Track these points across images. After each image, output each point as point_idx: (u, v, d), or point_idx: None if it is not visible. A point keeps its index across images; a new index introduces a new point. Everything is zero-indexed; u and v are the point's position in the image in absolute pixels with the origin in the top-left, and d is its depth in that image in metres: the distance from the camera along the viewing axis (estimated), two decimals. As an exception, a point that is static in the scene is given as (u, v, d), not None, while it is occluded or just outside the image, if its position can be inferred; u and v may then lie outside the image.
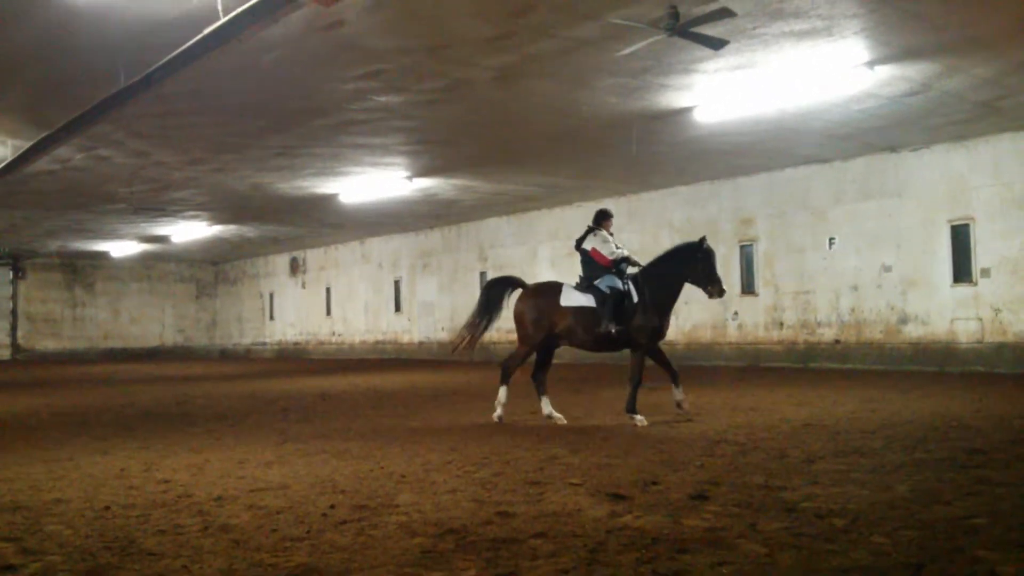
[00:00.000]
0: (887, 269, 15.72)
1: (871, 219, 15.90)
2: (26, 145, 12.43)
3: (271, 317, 33.71)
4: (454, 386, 14.51)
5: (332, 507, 4.98)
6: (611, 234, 9.21)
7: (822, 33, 9.20)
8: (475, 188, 19.05)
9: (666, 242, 17.58)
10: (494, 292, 9.46)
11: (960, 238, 14.77)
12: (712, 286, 8.76)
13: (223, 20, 7.29)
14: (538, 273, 20.84)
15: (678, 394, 8.80)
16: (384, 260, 28.13)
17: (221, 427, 9.31)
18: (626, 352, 9.17)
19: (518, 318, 9.17)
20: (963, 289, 14.71)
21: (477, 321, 9.40)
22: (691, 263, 8.81)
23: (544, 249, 22.42)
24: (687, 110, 12.26)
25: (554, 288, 9.14)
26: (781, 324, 17.40)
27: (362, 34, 8.97)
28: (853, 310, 16.21)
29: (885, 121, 13.12)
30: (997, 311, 14.28)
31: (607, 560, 3.77)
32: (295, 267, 32.05)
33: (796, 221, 17.15)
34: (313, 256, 31.36)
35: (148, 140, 13.69)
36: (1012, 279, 14.12)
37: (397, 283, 27.64)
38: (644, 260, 9.19)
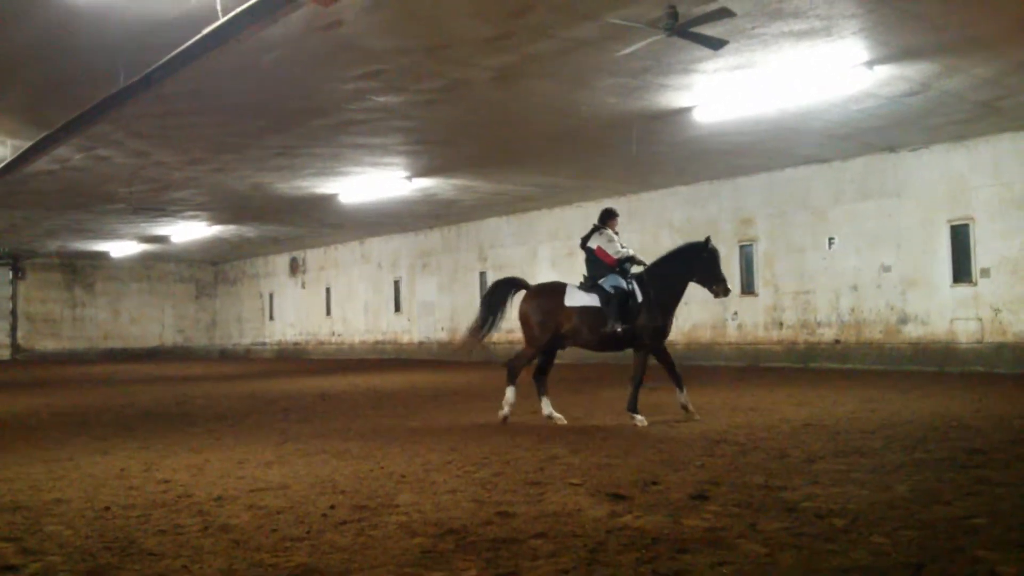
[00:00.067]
0: (887, 269, 15.72)
1: (871, 219, 15.90)
2: (26, 145, 12.43)
3: (271, 317, 33.71)
4: (454, 386, 14.51)
5: (332, 507, 4.98)
6: (616, 233, 9.21)
7: (821, 33, 9.21)
8: (475, 188, 19.05)
9: (666, 242, 17.60)
10: (498, 293, 9.44)
11: (960, 238, 14.77)
12: (717, 285, 8.79)
13: (223, 20, 7.28)
14: (538, 273, 20.84)
15: (682, 398, 8.79)
16: (384, 260, 28.13)
17: (221, 427, 9.31)
18: (628, 352, 9.19)
19: (523, 319, 9.16)
20: (963, 289, 14.71)
21: (480, 324, 9.38)
22: (696, 263, 8.83)
23: (544, 249, 22.43)
24: (687, 110, 12.26)
25: (558, 288, 9.13)
26: (781, 324, 17.40)
27: (361, 34, 8.97)
28: (853, 310, 16.22)
29: (884, 121, 13.12)
30: (997, 311, 14.28)
31: (607, 560, 3.77)
32: (295, 267, 32.05)
33: (796, 221, 17.15)
34: (313, 256, 31.36)
35: (148, 140, 13.69)
36: (1012, 279, 14.12)
37: (397, 283, 27.64)
38: (644, 260, 9.19)
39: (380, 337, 28.29)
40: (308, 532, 4.42)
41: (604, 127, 13.17)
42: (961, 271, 14.75)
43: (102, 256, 31.68)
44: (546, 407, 8.95)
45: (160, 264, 34.97)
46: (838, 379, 13.43)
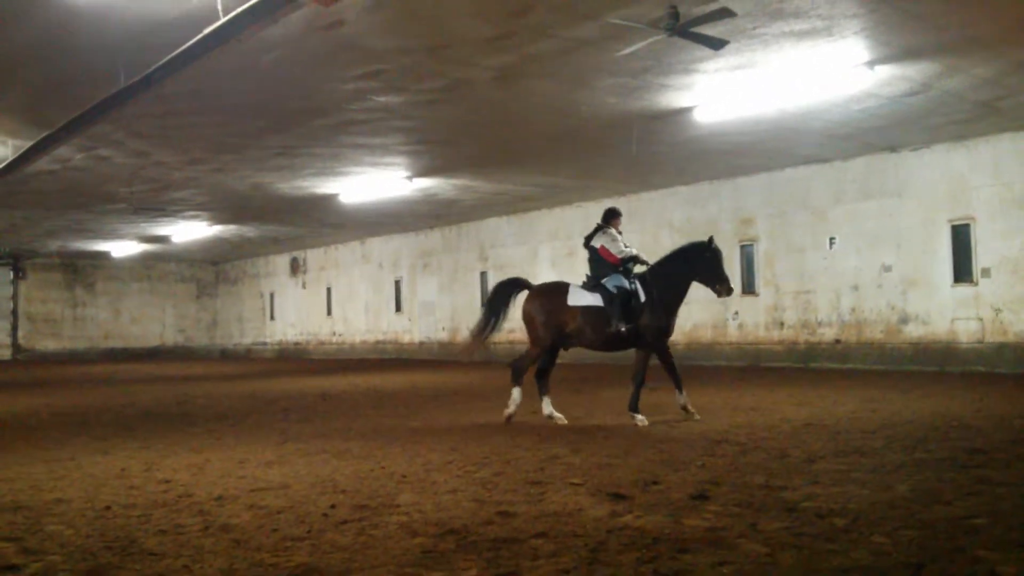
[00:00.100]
0: (887, 269, 15.72)
1: (871, 219, 15.90)
2: (26, 145, 12.43)
3: (271, 317, 33.72)
4: (455, 386, 14.51)
5: (333, 507, 4.98)
6: (620, 232, 9.22)
7: (822, 33, 9.20)
8: (475, 188, 19.05)
9: (666, 242, 17.61)
10: (501, 294, 9.42)
11: (960, 238, 14.76)
12: (720, 285, 8.79)
13: (223, 20, 7.28)
14: (538, 273, 20.84)
15: (681, 399, 8.78)
16: (384, 260, 28.13)
17: (222, 427, 9.31)
18: (629, 352, 9.18)
19: (527, 319, 9.14)
20: (963, 289, 14.71)
21: (483, 325, 9.35)
22: (699, 262, 8.84)
23: (544, 249, 22.43)
24: (687, 110, 12.26)
25: (561, 288, 9.13)
26: (781, 324, 17.40)
27: (362, 34, 8.97)
28: (853, 310, 16.21)
29: (885, 121, 13.11)
30: (998, 311, 14.28)
31: (608, 560, 3.77)
32: (295, 267, 32.06)
33: (796, 221, 17.15)
34: (313, 256, 31.37)
35: (148, 140, 13.69)
36: (1012, 279, 14.11)
37: (397, 283, 27.64)
38: (647, 260, 9.20)
39: (381, 337, 28.30)
40: (309, 532, 4.42)
41: (604, 127, 13.16)
42: (962, 271, 14.74)
43: (103, 256, 31.69)
44: (547, 407, 8.96)
45: (161, 264, 34.98)
46: (839, 379, 13.43)
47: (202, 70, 8.96)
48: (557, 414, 8.86)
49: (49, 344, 32.92)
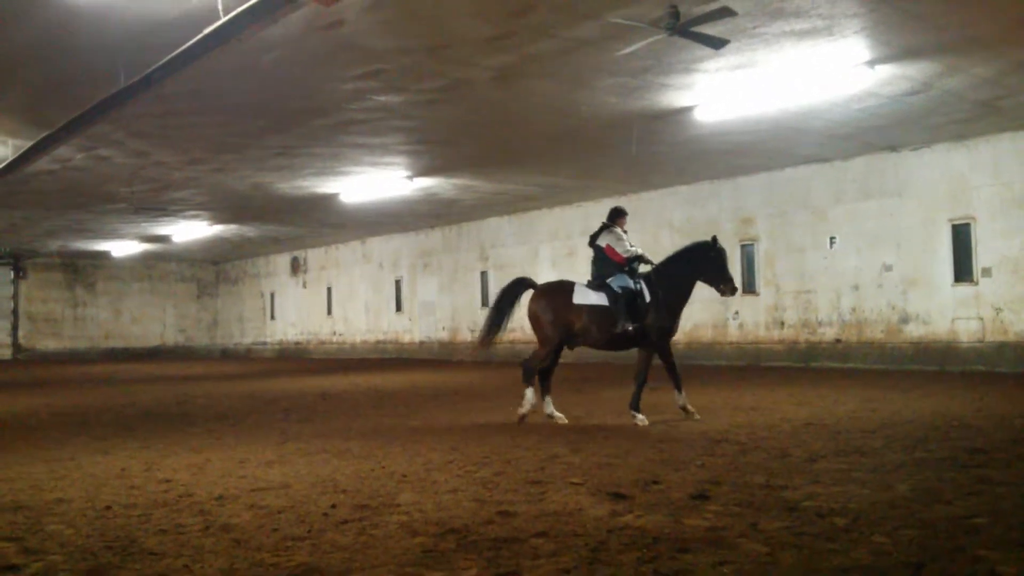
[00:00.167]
0: (888, 268, 15.71)
1: (872, 218, 15.90)
2: (26, 145, 12.44)
3: (272, 317, 33.72)
4: (455, 386, 14.51)
5: (333, 506, 4.98)
6: (625, 231, 9.22)
7: (822, 32, 9.20)
8: (475, 188, 19.05)
9: (666, 242, 17.62)
10: (508, 294, 9.39)
11: (961, 237, 14.76)
12: (725, 285, 8.83)
13: (223, 20, 7.28)
14: (539, 273, 20.83)
15: (681, 400, 8.78)
16: (385, 260, 28.14)
17: (222, 427, 9.32)
18: (628, 352, 9.17)
19: (534, 318, 9.12)
20: (964, 288, 14.70)
21: (490, 327, 9.32)
22: (704, 262, 8.85)
23: (545, 249, 22.43)
24: (687, 110, 12.25)
25: (566, 287, 9.12)
26: (782, 324, 17.40)
27: (362, 34, 8.97)
28: (854, 309, 16.21)
29: (885, 120, 13.11)
30: (998, 310, 14.28)
31: (608, 559, 3.77)
32: (296, 267, 32.06)
33: (797, 221, 17.14)
34: (314, 256, 31.37)
35: (148, 140, 13.69)
36: (1013, 278, 14.11)
37: (398, 283, 27.65)
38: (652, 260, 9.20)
39: (381, 337, 28.30)
40: (309, 531, 4.42)
41: (604, 127, 13.16)
42: (962, 270, 14.74)
43: (103, 256, 31.70)
44: (548, 406, 8.96)
45: (161, 264, 34.98)
46: (839, 378, 13.42)
47: (202, 70, 8.96)
48: (558, 413, 8.86)
49: (49, 344, 32.93)
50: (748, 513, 4.54)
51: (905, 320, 15.46)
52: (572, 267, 20.80)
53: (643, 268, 9.08)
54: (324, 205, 20.51)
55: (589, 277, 9.24)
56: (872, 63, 10.20)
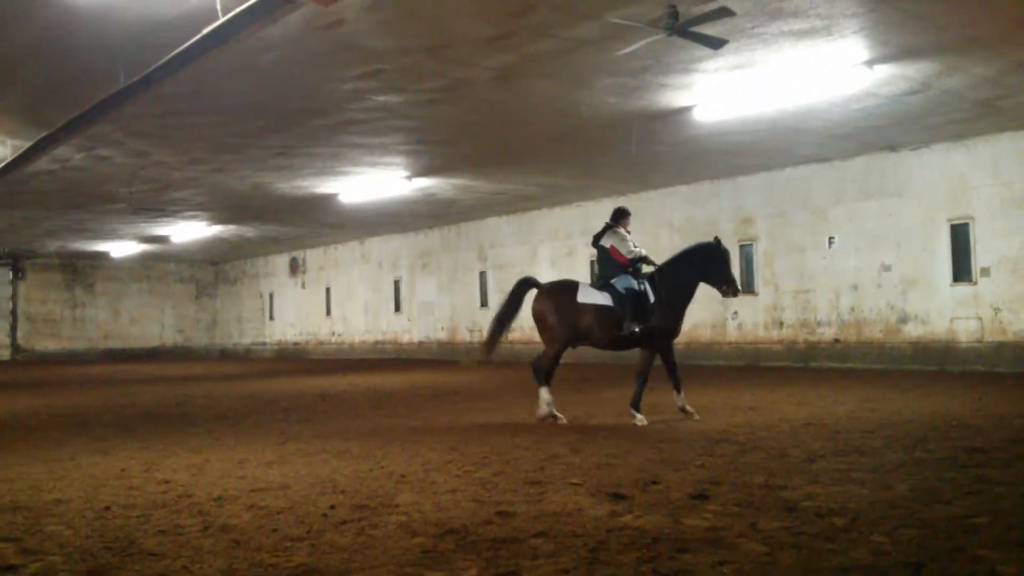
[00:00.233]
0: (887, 268, 15.72)
1: (871, 218, 15.90)
2: (26, 145, 12.43)
3: (271, 317, 33.72)
4: (454, 386, 14.51)
5: (332, 507, 4.98)
6: (628, 232, 9.22)
7: (821, 32, 9.20)
8: (475, 188, 19.05)
9: (666, 242, 17.64)
10: (516, 294, 9.35)
11: (960, 237, 14.77)
12: (728, 286, 8.85)
13: (222, 20, 7.28)
14: (538, 273, 20.78)
15: (679, 400, 8.79)
16: (384, 260, 28.13)
17: (221, 427, 9.31)
18: (627, 351, 9.16)
19: (539, 318, 9.07)
20: (963, 288, 14.71)
21: (497, 327, 9.28)
22: (707, 263, 8.86)
23: (544, 249, 22.43)
24: (687, 109, 12.26)
25: (570, 286, 9.11)
26: (781, 323, 17.40)
27: (361, 34, 8.97)
28: (853, 309, 16.22)
29: (885, 120, 13.12)
30: (997, 310, 14.28)
31: (608, 559, 3.77)
32: (295, 267, 32.06)
33: (796, 220, 17.15)
34: (313, 256, 31.37)
35: (148, 140, 13.69)
36: (1012, 278, 14.12)
37: (397, 283, 27.64)
38: (656, 261, 9.20)
39: (380, 337, 28.30)
40: (308, 532, 4.42)
41: (604, 127, 13.16)
42: (961, 270, 14.75)
43: (102, 256, 31.69)
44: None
45: (160, 264, 34.97)
46: (838, 378, 13.43)
47: (202, 70, 8.96)
48: (557, 413, 8.85)
49: (48, 344, 32.91)
50: (747, 513, 4.54)
51: (904, 320, 15.47)
52: (571, 267, 20.81)
53: (646, 269, 9.07)
54: (323, 205, 20.50)
55: (591, 277, 9.24)
56: (871, 63, 10.21)
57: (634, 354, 9.16)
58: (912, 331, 15.35)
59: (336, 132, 13.41)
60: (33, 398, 14.15)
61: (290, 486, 5.67)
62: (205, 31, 7.49)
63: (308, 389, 14.62)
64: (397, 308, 27.62)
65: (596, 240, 9.23)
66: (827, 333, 16.62)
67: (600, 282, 9.03)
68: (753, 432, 7.60)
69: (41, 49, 9.24)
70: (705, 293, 9.52)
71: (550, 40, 9.25)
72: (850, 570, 3.55)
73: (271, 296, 33.64)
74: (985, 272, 14.42)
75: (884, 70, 10.47)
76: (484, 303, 24.18)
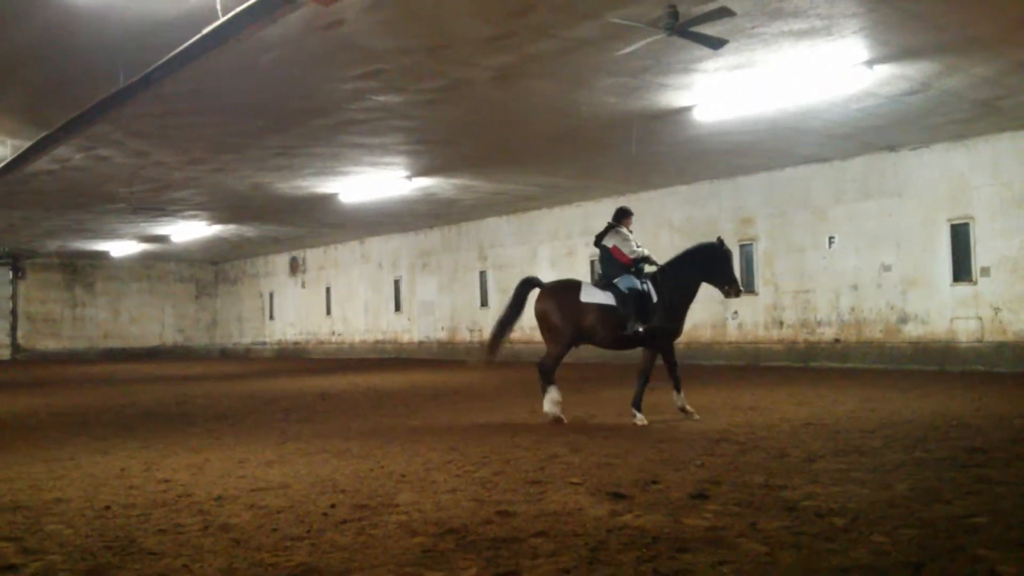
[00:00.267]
0: (887, 268, 15.72)
1: (871, 218, 15.91)
2: (26, 145, 12.43)
3: (271, 317, 33.72)
4: (454, 386, 14.51)
5: (332, 506, 4.98)
6: (631, 232, 9.22)
7: (821, 32, 9.20)
8: (475, 188, 19.05)
9: (666, 242, 17.64)
10: (519, 296, 9.33)
11: (960, 237, 14.77)
12: (730, 286, 8.86)
13: (222, 20, 7.28)
14: (538, 273, 20.78)
15: (679, 400, 8.79)
16: (384, 260, 28.14)
17: (221, 427, 9.31)
18: (627, 351, 9.15)
19: (543, 317, 9.04)
20: (963, 288, 14.71)
21: (501, 329, 9.25)
22: (709, 263, 8.86)
23: (544, 249, 22.43)
24: (687, 109, 12.26)
25: (573, 285, 9.10)
26: (781, 323, 17.40)
27: (361, 34, 8.97)
28: (853, 309, 16.22)
29: (885, 120, 13.12)
30: (997, 310, 14.28)
31: (608, 559, 3.78)
32: (295, 267, 32.06)
33: (796, 220, 17.15)
34: (313, 256, 31.37)
35: (148, 140, 13.69)
36: (1012, 278, 14.12)
37: (397, 283, 27.65)
38: (658, 261, 9.19)
39: (380, 336, 28.30)
40: (308, 531, 4.42)
41: (604, 127, 13.16)
42: (961, 270, 14.75)
43: (102, 256, 31.69)
44: (548, 405, 8.94)
45: (160, 264, 34.97)
46: (838, 378, 13.43)
47: (201, 70, 8.96)
48: (558, 413, 8.84)
49: (49, 344, 32.91)
50: (747, 513, 4.54)
51: (904, 320, 15.47)
52: (571, 267, 20.81)
53: (648, 269, 9.07)
54: (323, 205, 20.50)
55: (591, 277, 9.24)
56: (871, 63, 10.21)
57: (633, 354, 9.16)
58: (912, 331, 15.36)
59: (336, 132, 13.41)
60: (33, 398, 14.15)
61: (290, 485, 5.67)
62: (205, 31, 7.49)
63: (308, 389, 14.62)
64: (397, 308, 27.62)
65: (598, 240, 9.22)
66: (827, 333, 16.62)
67: (603, 282, 9.03)
68: (753, 432, 7.60)
69: (41, 49, 9.24)
70: (705, 293, 9.52)
71: (550, 40, 9.25)
72: (850, 570, 3.55)
73: (271, 296, 33.64)
74: (985, 272, 14.42)
75: (884, 70, 10.48)
76: (484, 303, 24.18)
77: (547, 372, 8.95)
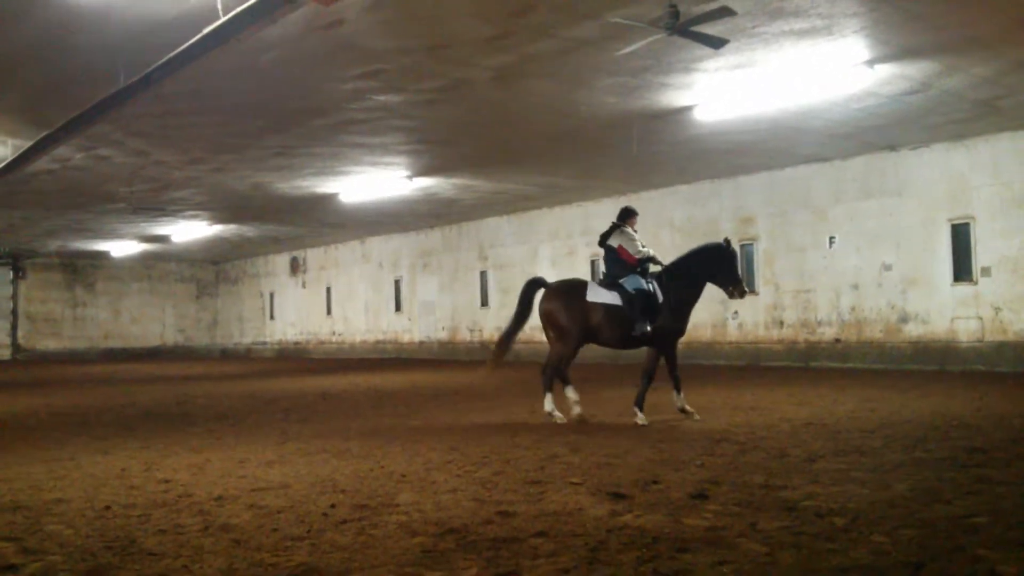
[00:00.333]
0: (887, 268, 15.72)
1: (871, 218, 15.90)
2: (26, 145, 12.44)
3: (271, 317, 33.72)
4: (455, 386, 14.51)
5: (333, 506, 4.98)
6: (636, 231, 9.21)
7: (822, 32, 9.20)
8: (475, 188, 19.05)
9: (666, 241, 17.64)
10: (526, 298, 9.31)
11: (960, 237, 14.77)
12: (735, 287, 8.84)
13: (222, 20, 7.29)
14: (539, 272, 20.80)
15: (679, 401, 8.79)
16: (384, 259, 28.14)
17: (222, 427, 9.31)
18: (628, 351, 9.15)
19: (549, 317, 9.00)
20: (963, 288, 14.71)
21: (512, 330, 9.22)
22: (715, 264, 8.85)
23: (544, 248, 22.43)
24: (687, 109, 12.26)
25: (579, 285, 9.09)
26: (781, 323, 17.40)
27: (361, 34, 8.97)
28: (853, 309, 16.22)
29: (885, 120, 13.12)
30: (997, 310, 14.28)
31: (608, 559, 3.77)
32: (295, 267, 32.06)
33: (796, 220, 17.15)
34: (313, 256, 31.37)
35: (148, 140, 13.69)
36: (1012, 278, 14.12)
37: (397, 282, 27.65)
38: (663, 261, 9.19)
39: (381, 336, 28.30)
40: (309, 531, 4.42)
41: (604, 127, 13.16)
42: (962, 270, 14.75)
43: (103, 256, 31.70)
44: (548, 404, 8.94)
45: (161, 264, 34.98)
46: (838, 378, 13.42)
47: (201, 70, 8.97)
48: (557, 412, 8.85)
49: (49, 344, 32.92)
50: (747, 513, 4.54)
51: (904, 320, 15.47)
52: (572, 267, 20.81)
53: (653, 268, 9.07)
54: (323, 205, 20.51)
55: (591, 276, 9.23)
56: (871, 63, 10.21)
57: (632, 354, 9.15)
58: (912, 331, 15.35)
59: (336, 132, 13.42)
60: (33, 398, 14.15)
61: (290, 485, 5.67)
62: (205, 31, 7.49)
63: (309, 389, 14.62)
64: (398, 308, 27.62)
65: (603, 239, 9.21)
66: (827, 333, 16.62)
67: (608, 281, 9.02)
68: (753, 432, 7.60)
69: (41, 49, 9.24)
70: (705, 292, 9.51)
71: (550, 40, 9.25)
72: (850, 570, 3.55)
73: (272, 296, 33.64)
74: (985, 272, 14.42)
75: (884, 70, 10.48)
76: (485, 303, 24.18)
77: (563, 373, 8.93)
